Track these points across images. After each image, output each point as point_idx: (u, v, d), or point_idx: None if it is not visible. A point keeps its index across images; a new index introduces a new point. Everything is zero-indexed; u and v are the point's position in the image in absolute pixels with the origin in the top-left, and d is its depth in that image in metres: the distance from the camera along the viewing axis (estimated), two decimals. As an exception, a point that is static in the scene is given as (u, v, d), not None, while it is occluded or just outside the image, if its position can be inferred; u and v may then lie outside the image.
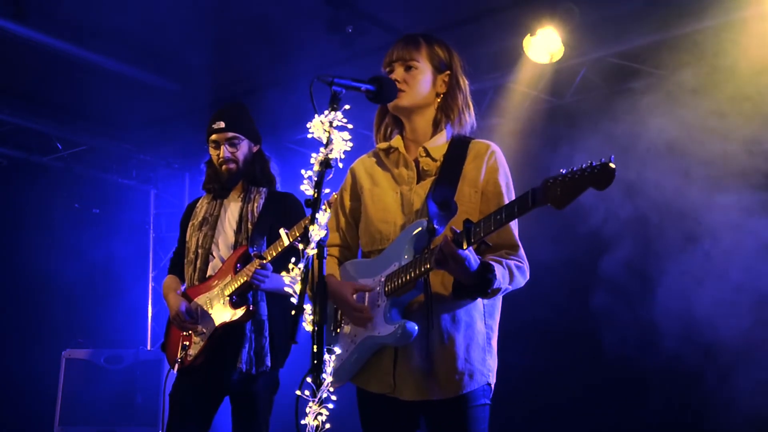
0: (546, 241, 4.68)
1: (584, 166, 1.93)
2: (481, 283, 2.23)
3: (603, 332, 4.91)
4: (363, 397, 2.52)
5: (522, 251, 2.44)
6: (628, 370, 4.95)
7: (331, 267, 2.62)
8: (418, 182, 2.50)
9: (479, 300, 2.42)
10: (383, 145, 2.61)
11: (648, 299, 4.82)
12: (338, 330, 2.52)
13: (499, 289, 2.28)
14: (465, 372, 2.35)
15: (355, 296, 2.43)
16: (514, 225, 2.44)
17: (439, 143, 2.53)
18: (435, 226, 2.32)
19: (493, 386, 2.45)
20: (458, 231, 2.17)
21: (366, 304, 2.42)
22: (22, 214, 7.01)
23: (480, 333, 2.41)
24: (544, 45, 5.12)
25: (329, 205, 3.20)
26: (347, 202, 2.67)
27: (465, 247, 2.14)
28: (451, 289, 2.34)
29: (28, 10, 5.16)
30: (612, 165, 1.89)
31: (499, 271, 2.26)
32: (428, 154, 2.51)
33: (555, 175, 1.98)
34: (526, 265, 2.42)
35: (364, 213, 2.59)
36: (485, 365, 2.40)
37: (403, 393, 2.38)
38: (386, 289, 2.37)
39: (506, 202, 2.35)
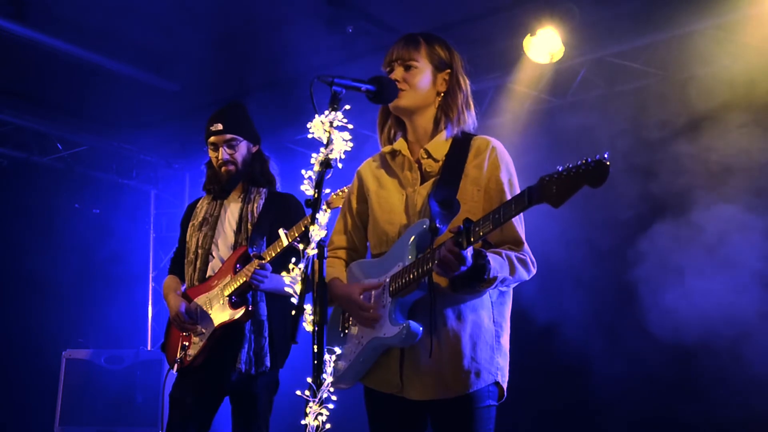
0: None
1: (579, 163, 1.92)
2: (475, 271, 2.20)
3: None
4: (371, 397, 2.52)
5: (527, 247, 2.42)
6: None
7: (338, 270, 2.61)
8: (421, 183, 2.50)
9: (487, 298, 2.41)
10: (387, 148, 2.61)
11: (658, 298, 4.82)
12: (345, 332, 2.52)
13: (495, 278, 2.24)
14: (471, 370, 2.34)
15: (362, 296, 2.43)
16: (517, 221, 2.41)
17: (440, 143, 2.52)
18: (437, 225, 2.31)
19: (504, 385, 2.42)
20: (458, 230, 2.14)
21: (372, 303, 2.42)
22: (22, 214, 6.99)
23: (488, 331, 2.40)
24: (544, 45, 5.12)
25: (329, 205, 3.21)
26: (354, 205, 2.68)
27: (465, 246, 2.13)
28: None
29: (28, 10, 5.16)
30: (607, 162, 1.88)
31: (495, 260, 2.24)
32: (429, 155, 2.51)
33: (551, 173, 1.97)
34: (529, 260, 2.39)
35: (371, 215, 2.60)
36: (493, 363, 2.39)
37: (410, 393, 2.38)
38: (391, 289, 2.37)
39: (509, 198, 2.32)
